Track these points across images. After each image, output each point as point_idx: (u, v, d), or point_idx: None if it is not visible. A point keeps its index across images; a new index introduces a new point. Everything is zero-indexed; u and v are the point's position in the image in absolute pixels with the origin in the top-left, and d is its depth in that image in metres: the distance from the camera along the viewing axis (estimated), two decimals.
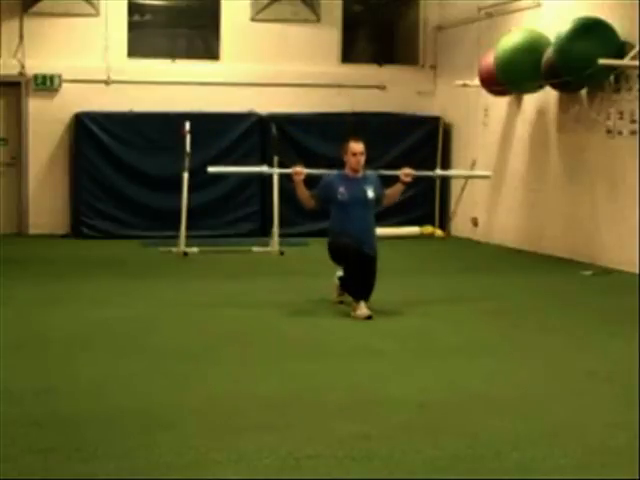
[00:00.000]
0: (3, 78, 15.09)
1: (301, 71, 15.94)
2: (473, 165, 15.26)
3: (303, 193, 9.16)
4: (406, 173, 9.31)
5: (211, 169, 10.63)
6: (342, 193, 9.00)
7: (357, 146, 9.08)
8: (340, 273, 9.16)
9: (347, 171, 9.15)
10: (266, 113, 15.42)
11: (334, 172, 9.27)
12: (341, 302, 9.18)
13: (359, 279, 8.84)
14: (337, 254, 9.06)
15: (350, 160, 9.08)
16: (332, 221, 9.19)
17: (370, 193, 9.09)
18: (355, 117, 15.91)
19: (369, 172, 9.30)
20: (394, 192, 9.37)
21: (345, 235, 8.93)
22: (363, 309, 8.66)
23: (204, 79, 15.67)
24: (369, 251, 8.97)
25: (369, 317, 8.57)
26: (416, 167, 15.74)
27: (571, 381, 6.52)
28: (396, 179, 9.39)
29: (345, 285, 9.06)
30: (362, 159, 9.08)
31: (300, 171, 9.13)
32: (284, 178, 14.23)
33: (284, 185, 14.18)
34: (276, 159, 13.62)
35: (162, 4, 16.49)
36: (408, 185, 9.39)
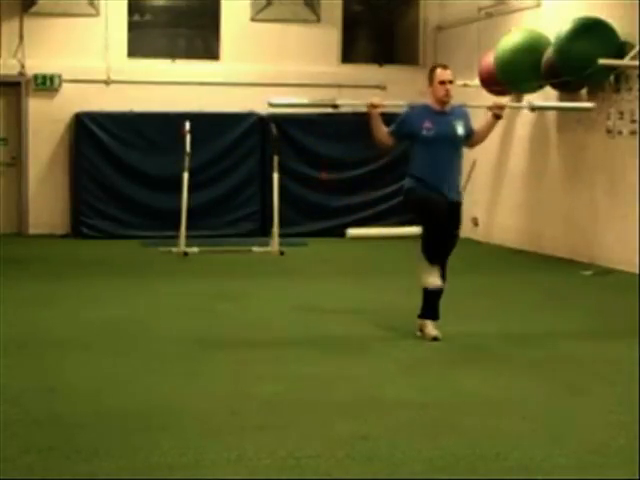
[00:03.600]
0: (3, 78, 15.09)
1: (301, 71, 15.93)
2: (473, 165, 15.25)
3: (380, 129, 7.74)
4: (499, 105, 8.02)
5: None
6: (428, 128, 7.63)
7: (445, 73, 7.70)
8: (427, 280, 7.66)
9: (432, 103, 7.77)
10: (266, 113, 15.41)
11: (418, 104, 7.98)
12: (435, 339, 7.62)
13: (441, 245, 7.61)
14: (419, 208, 7.73)
15: (437, 90, 7.68)
16: (413, 163, 7.78)
17: (460, 129, 7.74)
18: (356, 117, 15.91)
19: (457, 105, 7.92)
20: (486, 128, 7.97)
21: (429, 180, 7.61)
22: (429, 327, 7.70)
23: (204, 79, 15.67)
24: (456, 197, 7.74)
25: (435, 339, 7.60)
26: None
27: (571, 381, 6.52)
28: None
29: (423, 248, 7.61)
30: (451, 88, 7.71)
31: (377, 103, 7.75)
32: (284, 178, 14.32)
33: (284, 185, 14.23)
34: (276, 159, 13.62)
35: (162, 4, 16.51)
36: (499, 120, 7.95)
